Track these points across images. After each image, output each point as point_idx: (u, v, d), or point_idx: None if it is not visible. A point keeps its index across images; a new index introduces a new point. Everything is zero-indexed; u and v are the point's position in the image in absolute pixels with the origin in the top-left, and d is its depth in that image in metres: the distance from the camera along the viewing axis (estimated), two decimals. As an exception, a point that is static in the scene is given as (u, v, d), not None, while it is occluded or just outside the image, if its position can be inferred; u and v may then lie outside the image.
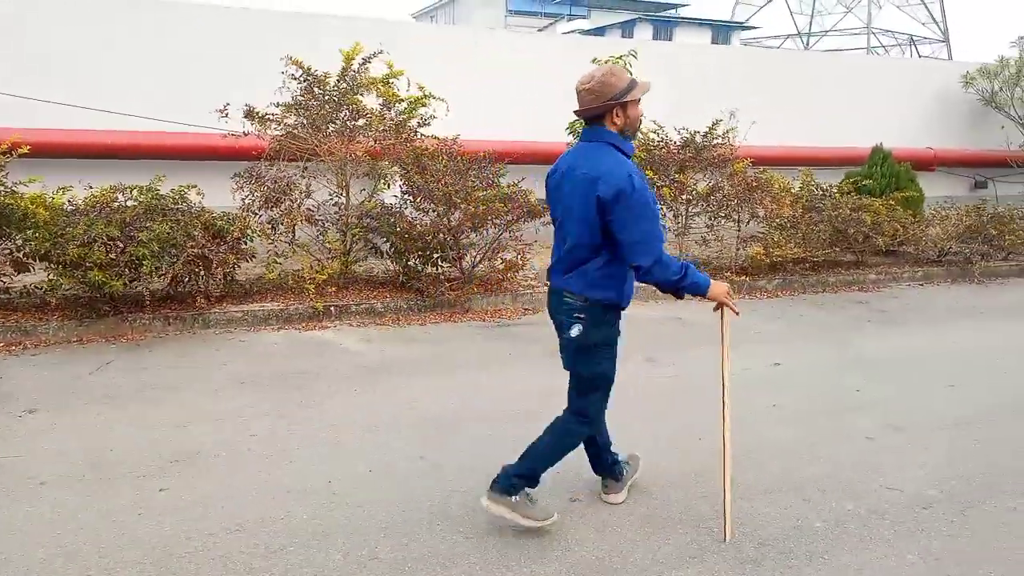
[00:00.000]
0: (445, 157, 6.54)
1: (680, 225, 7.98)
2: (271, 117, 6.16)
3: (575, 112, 2.96)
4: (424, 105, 6.46)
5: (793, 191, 7.90)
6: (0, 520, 3.04)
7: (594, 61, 7.77)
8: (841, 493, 3.38)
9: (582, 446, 3.21)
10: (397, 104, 6.43)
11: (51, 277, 5.50)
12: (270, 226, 5.97)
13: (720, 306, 3.03)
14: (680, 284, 2.83)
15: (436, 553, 2.87)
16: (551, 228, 6.99)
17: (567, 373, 3.11)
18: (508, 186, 6.64)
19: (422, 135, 6.58)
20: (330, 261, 6.48)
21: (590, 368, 3.01)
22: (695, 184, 7.90)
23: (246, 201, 5.99)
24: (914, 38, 49.16)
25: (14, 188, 5.61)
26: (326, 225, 6.41)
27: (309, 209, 6.15)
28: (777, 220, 7.58)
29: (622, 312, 3.01)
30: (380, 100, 6.48)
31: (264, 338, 5.66)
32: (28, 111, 7.40)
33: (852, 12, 50.06)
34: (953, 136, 11.98)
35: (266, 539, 2.94)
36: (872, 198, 8.18)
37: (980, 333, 6.34)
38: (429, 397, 4.54)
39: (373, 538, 2.96)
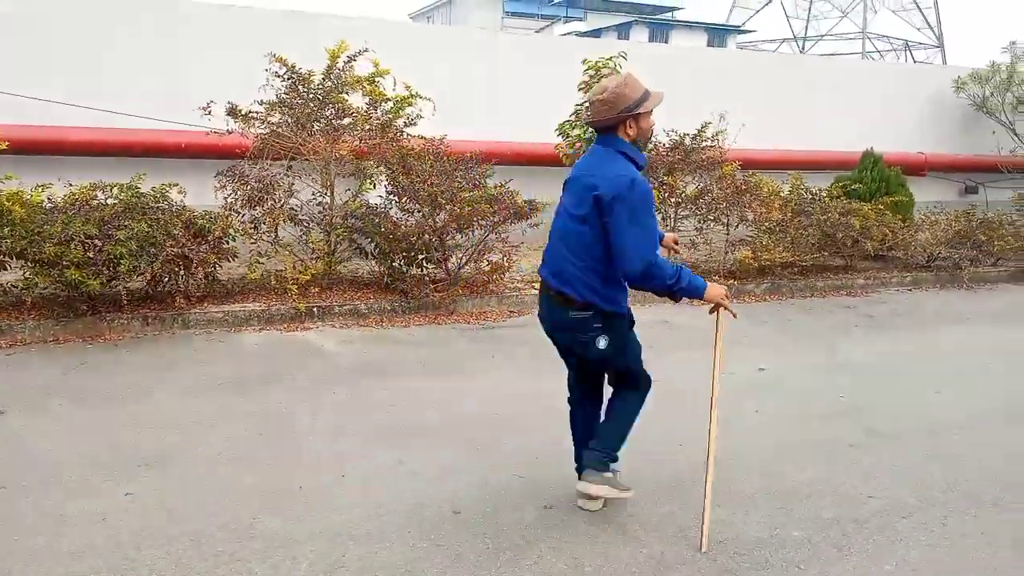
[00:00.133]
0: (431, 157, 6.48)
1: (668, 228, 7.93)
2: (255, 115, 6.09)
3: (586, 123, 2.98)
4: (410, 104, 6.40)
5: (782, 195, 7.86)
6: (-41, 525, 2.97)
7: (584, 63, 7.76)
8: (821, 501, 3.33)
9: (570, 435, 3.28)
10: (383, 103, 6.36)
11: (27, 276, 5.42)
12: (252, 225, 5.89)
13: (716, 308, 3.00)
14: (675, 288, 2.81)
15: (406, 561, 2.81)
16: (538, 230, 6.99)
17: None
18: (495, 187, 6.58)
19: (408, 135, 6.52)
20: (314, 261, 6.41)
21: (628, 358, 3.07)
22: (684, 187, 7.86)
23: (228, 200, 5.91)
24: (909, 43, 49.32)
25: (-9, 186, 5.53)
26: (310, 225, 6.34)
27: (292, 208, 6.08)
28: (766, 224, 7.54)
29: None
30: (366, 99, 6.41)
31: (244, 339, 5.59)
32: (16, 107, 7.32)
33: (848, 17, 50.21)
34: (945, 141, 11.98)
35: (231, 546, 2.87)
36: (861, 203, 8.15)
37: (967, 338, 6.31)
38: (408, 401, 4.48)
39: (341, 546, 2.90)
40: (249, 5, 8.58)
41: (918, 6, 49.47)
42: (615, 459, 3.14)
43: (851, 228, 7.57)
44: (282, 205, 5.89)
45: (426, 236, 6.17)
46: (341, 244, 6.49)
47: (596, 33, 37.67)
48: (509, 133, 9.06)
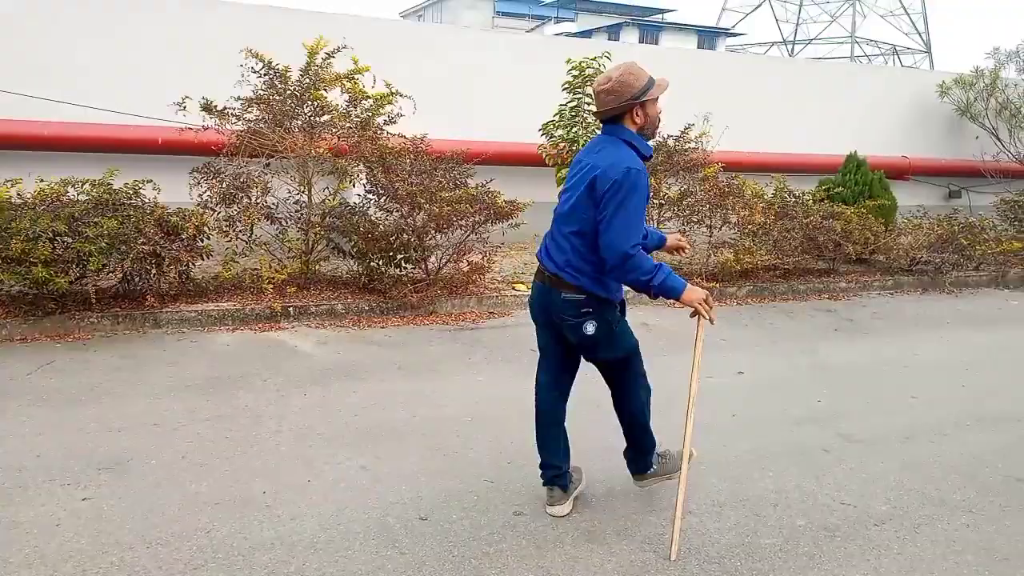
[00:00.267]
0: (411, 156, 6.40)
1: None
2: (231, 111, 5.99)
3: (593, 114, 2.97)
4: (390, 103, 6.31)
5: (766, 198, 7.84)
6: (-95, 531, 2.87)
7: (568, 62, 7.71)
8: (793, 509, 3.29)
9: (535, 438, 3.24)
10: (363, 100, 6.28)
11: (-6, 273, 5.30)
12: (227, 223, 5.79)
13: (696, 313, 2.96)
14: (650, 284, 2.77)
15: (367, 571, 2.74)
16: (518, 231, 6.92)
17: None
18: (476, 187, 6.51)
19: (388, 133, 6.44)
20: (291, 260, 6.32)
21: (620, 349, 3.02)
22: (667, 189, 7.82)
23: (203, 197, 5.81)
24: (897, 48, 49.70)
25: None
26: (287, 224, 6.25)
27: (269, 207, 5.98)
28: (749, 227, 7.51)
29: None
30: (346, 96, 6.33)
31: (216, 339, 5.49)
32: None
33: (837, 21, 50.54)
34: (928, 145, 12.01)
35: (187, 554, 2.79)
36: (844, 206, 8.14)
37: (946, 344, 6.30)
38: (380, 403, 4.40)
39: (301, 554, 2.82)
40: (227, -1, 8.47)
41: (906, 11, 49.91)
42: (654, 443, 3.20)
43: (833, 231, 7.56)
44: (257, 203, 5.79)
45: (405, 236, 6.10)
46: (319, 243, 6.40)
47: (587, 34, 37.67)
48: (493, 133, 8.99)
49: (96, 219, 5.26)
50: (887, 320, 7.06)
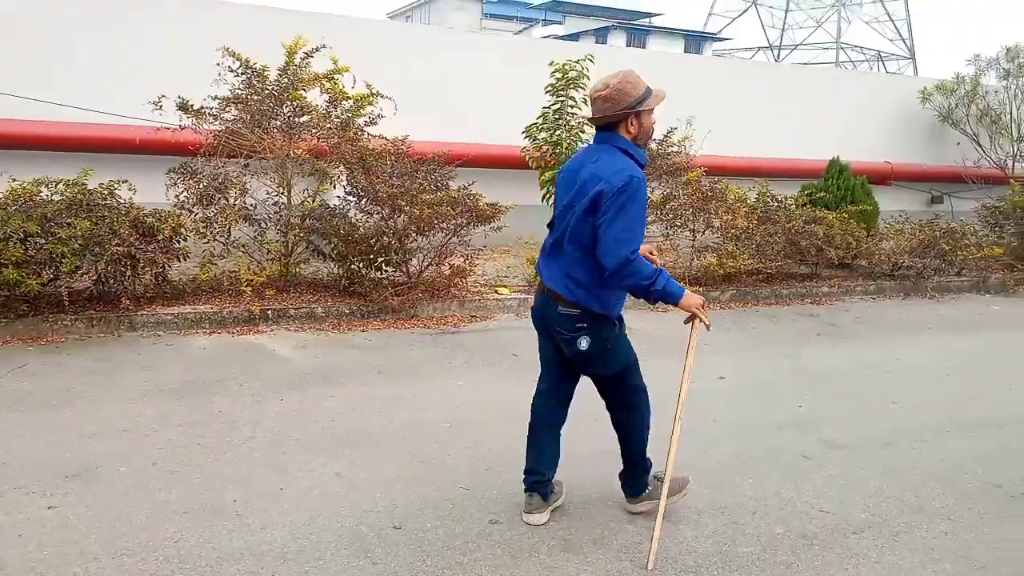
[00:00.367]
0: (392, 157, 6.34)
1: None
2: (208, 111, 5.90)
3: (588, 119, 2.94)
4: (371, 103, 6.25)
5: (749, 202, 7.84)
6: None
7: (551, 64, 7.67)
8: (771, 516, 3.26)
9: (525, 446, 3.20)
10: (343, 101, 6.21)
11: (-37, 275, 5.18)
12: (204, 225, 5.70)
13: (692, 318, 2.96)
14: (651, 289, 2.77)
15: (337, 581, 2.68)
16: (500, 234, 6.86)
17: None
18: (459, 189, 6.47)
19: (369, 134, 6.38)
20: (270, 263, 6.24)
21: (614, 366, 2.99)
22: (650, 193, 7.81)
23: (180, 198, 5.72)
24: (882, 54, 50.16)
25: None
26: (266, 225, 6.16)
27: (247, 208, 5.90)
28: (732, 231, 7.51)
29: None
30: (326, 97, 6.26)
31: (193, 342, 5.40)
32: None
33: (822, 27, 50.93)
34: (911, 151, 12.08)
35: (153, 565, 2.72)
36: (827, 211, 8.16)
37: (928, 349, 6.32)
38: (358, 408, 4.34)
39: (271, 564, 2.76)
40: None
41: (891, 18, 50.36)
42: (650, 466, 3.16)
43: (815, 236, 7.57)
44: (235, 204, 5.70)
45: (385, 238, 6.03)
46: (298, 246, 6.32)
47: (574, 37, 37.71)
48: (478, 134, 8.94)
49: (69, 220, 5.17)
50: (869, 325, 7.08)
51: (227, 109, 5.92)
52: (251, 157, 6.04)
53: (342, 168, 6.34)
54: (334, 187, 6.53)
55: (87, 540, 2.86)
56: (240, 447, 3.75)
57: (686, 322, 3.01)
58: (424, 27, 27.83)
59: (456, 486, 3.42)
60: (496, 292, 6.87)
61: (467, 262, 6.48)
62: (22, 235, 5.01)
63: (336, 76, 6.14)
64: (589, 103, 2.90)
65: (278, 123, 6.01)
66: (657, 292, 2.78)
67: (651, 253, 3.31)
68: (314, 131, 6.11)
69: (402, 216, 5.97)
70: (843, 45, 49.54)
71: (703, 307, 2.92)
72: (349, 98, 6.24)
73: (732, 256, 7.55)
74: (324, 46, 6.08)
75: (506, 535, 3.02)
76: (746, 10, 52.14)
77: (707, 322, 2.92)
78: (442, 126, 8.62)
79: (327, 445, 3.81)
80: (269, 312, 5.89)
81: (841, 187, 8.84)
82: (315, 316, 6.03)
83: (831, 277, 8.45)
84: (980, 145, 11.67)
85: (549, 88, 7.66)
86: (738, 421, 4.40)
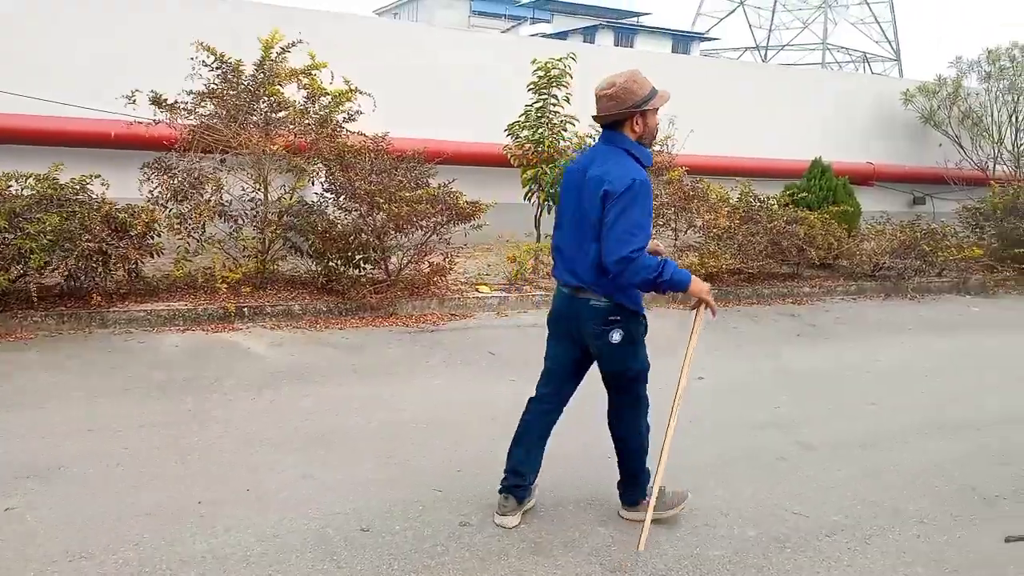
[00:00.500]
0: (371, 154, 6.28)
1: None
2: (183, 106, 5.80)
3: (593, 117, 2.93)
4: (349, 99, 6.17)
5: (731, 202, 7.84)
6: None
7: (533, 62, 7.63)
8: (744, 519, 3.24)
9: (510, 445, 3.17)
10: (322, 97, 6.14)
11: (-70, 270, 5.08)
12: (178, 221, 5.61)
13: (698, 305, 2.98)
14: (659, 280, 2.76)
15: (301, 585, 2.63)
16: (482, 232, 6.82)
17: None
18: (439, 186, 6.41)
19: (348, 131, 6.30)
20: (246, 260, 6.15)
21: (637, 365, 3.00)
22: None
23: (154, 193, 5.62)
24: (868, 55, 50.53)
25: None
26: (242, 222, 6.08)
27: (222, 204, 5.81)
28: (714, 230, 7.50)
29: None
30: (304, 93, 6.18)
31: (165, 340, 5.31)
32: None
33: (809, 28, 51.23)
34: (893, 152, 12.14)
35: (112, 568, 2.65)
36: (808, 211, 8.18)
37: (907, 349, 6.33)
38: (332, 408, 4.28)
39: (233, 568, 2.70)
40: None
41: (877, 20, 50.74)
42: (647, 479, 3.13)
43: (796, 236, 7.58)
44: (209, 200, 5.61)
45: (363, 236, 5.96)
46: (276, 242, 6.24)
47: (562, 35, 37.66)
48: (464, 132, 8.87)
49: (39, 215, 5.07)
50: (849, 325, 7.09)
51: (202, 104, 5.82)
52: (227, 153, 5.95)
53: (320, 165, 6.26)
54: (312, 184, 6.45)
55: (45, 542, 2.79)
56: (209, 447, 3.68)
57: (692, 308, 3.04)
58: (406, 23, 27.71)
59: (428, 487, 3.37)
60: (476, 290, 6.82)
61: (447, 260, 6.42)
62: (-11, 230, 4.91)
63: (314, 72, 6.06)
64: (595, 101, 2.90)
65: (255, 119, 5.92)
66: (666, 282, 2.78)
67: (656, 247, 3.32)
68: (291, 127, 6.03)
69: (380, 213, 5.90)
70: (829, 46, 49.87)
71: (709, 292, 2.95)
72: (327, 94, 6.16)
73: (714, 256, 7.54)
74: (300, 41, 6.00)
75: (475, 538, 2.98)
76: (734, 10, 52.35)
77: (714, 307, 2.96)
78: (424, 124, 8.55)
79: (298, 445, 3.75)
80: (245, 309, 5.81)
81: (823, 187, 8.86)
82: (292, 314, 5.96)
83: (812, 277, 8.47)
84: (962, 147, 11.74)
85: (531, 86, 7.63)
86: (715, 422, 4.37)
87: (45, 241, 4.96)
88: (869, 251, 8.49)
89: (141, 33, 7.56)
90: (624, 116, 2.83)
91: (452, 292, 6.68)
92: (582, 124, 7.75)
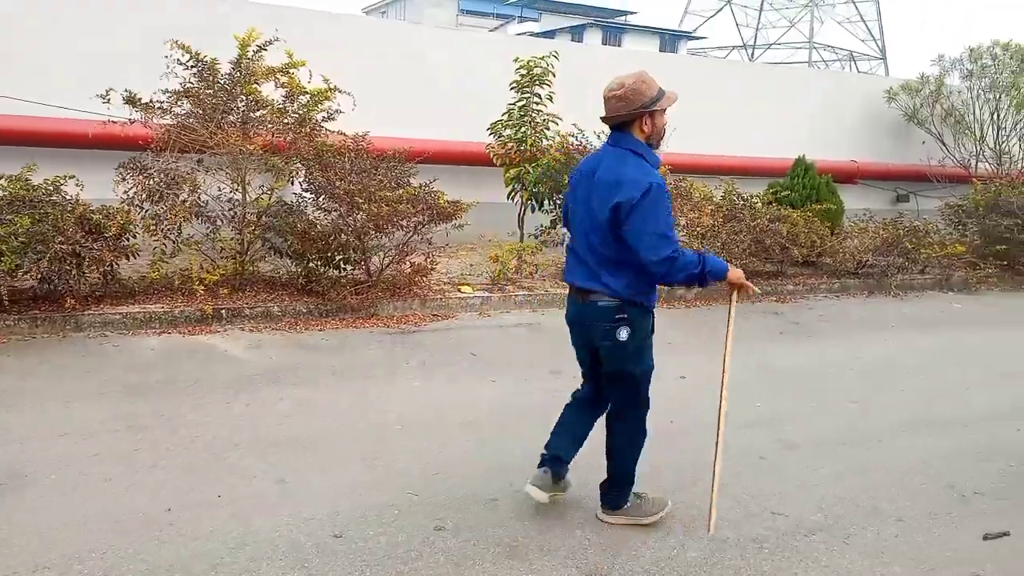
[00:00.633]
0: (352, 154, 6.21)
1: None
2: (158, 105, 5.72)
3: (602, 119, 2.94)
4: (328, 99, 6.10)
5: (715, 200, 7.83)
6: None
7: (516, 60, 7.59)
8: (723, 519, 3.20)
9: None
10: (300, 96, 6.07)
11: None
12: (154, 222, 5.53)
13: (733, 291, 3.07)
14: (704, 274, 2.84)
15: (270, 593, 2.58)
16: (460, 232, 6.77)
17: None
18: (420, 186, 6.35)
19: (328, 130, 6.23)
20: (224, 261, 6.07)
21: (642, 365, 3.01)
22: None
23: (129, 194, 5.54)
24: (854, 54, 50.83)
25: None
26: (221, 222, 6.00)
27: (199, 205, 5.73)
28: (698, 229, 7.49)
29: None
30: (282, 91, 6.11)
31: (141, 343, 5.24)
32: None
33: (795, 27, 51.48)
34: (877, 150, 12.18)
35: (75, 579, 2.59)
36: (792, 209, 8.18)
37: (889, 347, 6.34)
38: (308, 411, 4.22)
39: (200, 576, 2.64)
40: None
41: (863, 19, 51.06)
42: (627, 499, 3.12)
43: (779, 235, 7.58)
44: (184, 201, 5.53)
45: (343, 236, 5.90)
46: (254, 243, 6.16)
47: (550, 34, 37.66)
48: (447, 132, 8.82)
49: (10, 216, 4.97)
50: (833, 323, 7.09)
51: (179, 103, 5.74)
52: (204, 152, 5.87)
53: (299, 164, 6.19)
54: (292, 184, 6.38)
55: (9, 553, 2.72)
56: (181, 452, 3.61)
57: (729, 295, 3.12)
58: (391, 22, 27.60)
59: (403, 491, 3.32)
60: (459, 291, 6.77)
61: (428, 260, 6.37)
62: (-42, 232, 4.81)
63: (292, 70, 5.99)
64: (603, 102, 2.91)
65: (232, 118, 5.84)
66: (708, 273, 2.84)
67: None
68: (270, 126, 5.96)
69: (360, 213, 5.84)
70: (816, 45, 50.15)
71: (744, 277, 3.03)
72: (306, 93, 6.09)
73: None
74: (277, 39, 5.92)
75: (450, 542, 2.93)
76: (721, 9, 52.53)
77: (754, 289, 3.09)
78: (411, 123, 8.50)
79: (272, 450, 3.69)
80: (223, 311, 5.73)
81: (806, 186, 8.87)
82: (271, 315, 5.89)
83: (796, 275, 8.48)
84: (944, 144, 11.79)
85: (514, 85, 7.59)
86: (696, 421, 4.33)
87: (16, 243, 4.88)
88: (852, 249, 8.51)
89: (137, 33, 7.45)
90: (633, 117, 2.85)
91: (434, 292, 6.63)
92: (565, 123, 7.73)
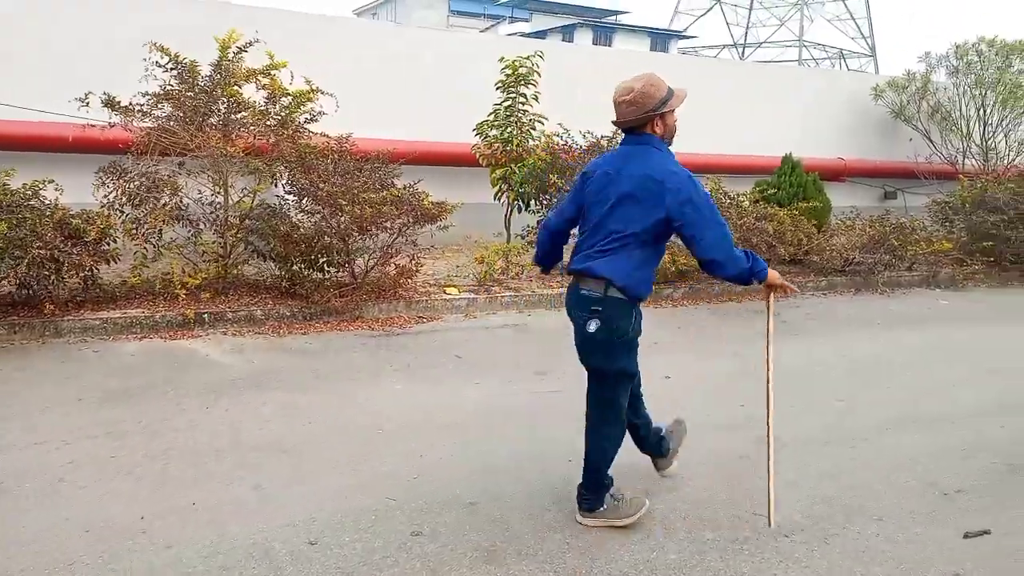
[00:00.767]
0: (335, 156, 6.17)
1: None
2: (138, 108, 5.67)
3: (614, 123, 2.97)
4: (310, 100, 6.06)
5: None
6: None
7: (501, 60, 7.56)
8: (703, 520, 3.18)
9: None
10: (283, 98, 6.02)
11: None
12: (134, 226, 5.48)
13: (771, 291, 3.14)
14: (753, 270, 2.90)
15: (242, 602, 2.54)
16: (447, 233, 6.73)
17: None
18: (405, 187, 6.32)
19: (311, 132, 6.19)
20: (207, 264, 6.02)
21: (621, 362, 2.99)
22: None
23: (109, 198, 5.49)
24: (844, 52, 50.99)
25: None
26: (203, 226, 5.95)
27: (179, 208, 5.68)
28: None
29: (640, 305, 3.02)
30: (264, 93, 6.06)
31: (121, 348, 5.19)
32: None
33: (785, 25, 51.61)
34: (865, 147, 12.20)
35: (43, 590, 2.55)
36: (778, 208, 8.17)
37: (877, 344, 6.33)
38: (289, 415, 4.18)
39: (171, 586, 2.60)
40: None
41: (852, 17, 51.22)
42: (611, 484, 3.12)
43: (765, 233, 7.57)
44: (165, 205, 5.48)
45: (327, 238, 5.86)
46: (237, 246, 6.12)
47: (541, 34, 37.65)
48: (437, 132, 8.78)
49: (-14, 222, 4.92)
50: (820, 321, 7.09)
51: (159, 106, 5.69)
52: (185, 155, 5.82)
53: (282, 167, 6.14)
54: (275, 186, 6.34)
55: (-25, 565, 2.67)
56: (158, 459, 3.57)
57: (765, 296, 3.20)
58: (374, 23, 27.54)
59: (381, 496, 3.29)
60: (444, 292, 6.74)
61: (413, 262, 6.33)
62: (-65, 238, 4.76)
63: (273, 72, 5.94)
64: (614, 107, 2.93)
65: (213, 120, 5.80)
66: (756, 273, 2.91)
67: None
68: (252, 128, 5.91)
69: (344, 216, 5.80)
70: (806, 43, 50.27)
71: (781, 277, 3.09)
72: (288, 94, 6.05)
73: (685, 253, 7.51)
74: (257, 40, 5.88)
75: (427, 548, 2.90)
76: (711, 8, 52.62)
77: (791, 287, 3.17)
78: (402, 124, 8.47)
79: (251, 455, 3.65)
80: (205, 316, 5.69)
81: (793, 184, 8.87)
82: (254, 319, 5.84)
83: (783, 273, 8.37)
84: (931, 141, 11.83)
85: (499, 84, 7.55)
86: (679, 421, 4.31)
87: (-7, 249, 4.82)
88: (839, 246, 8.52)
89: (133, 35, 7.38)
90: (644, 120, 2.89)
91: (420, 294, 6.59)
92: (554, 122, 7.71)
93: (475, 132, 7.70)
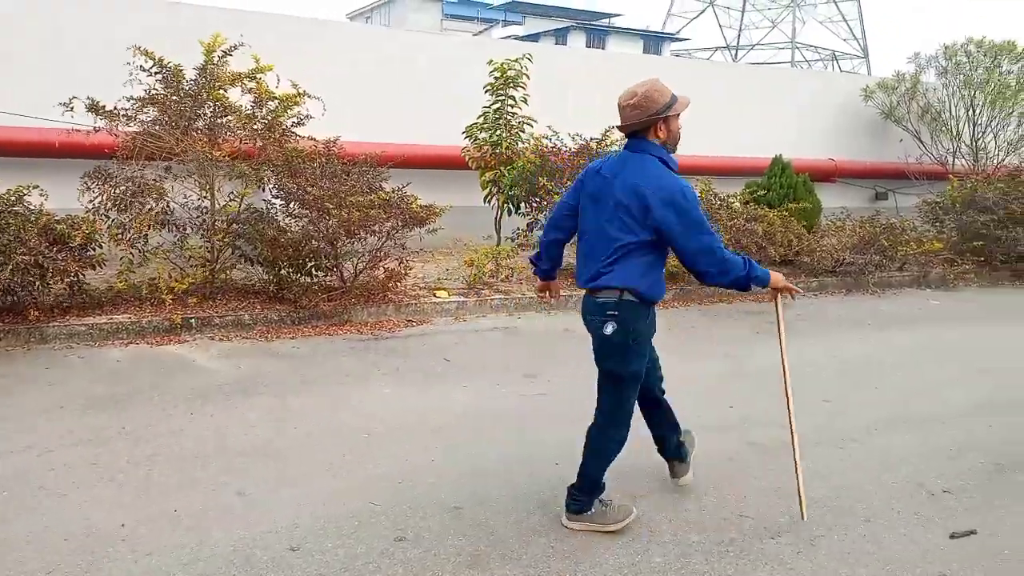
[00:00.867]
0: (322, 159, 6.15)
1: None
2: (123, 112, 5.64)
3: (618, 127, 3.02)
4: (297, 103, 6.04)
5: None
6: None
7: (490, 63, 7.56)
8: (688, 523, 3.17)
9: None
10: (269, 101, 6.00)
11: None
12: (120, 232, 5.44)
13: (777, 294, 3.14)
14: (750, 276, 2.91)
15: (221, 610, 2.51)
16: (435, 236, 6.71)
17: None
18: (393, 191, 6.30)
19: (298, 136, 6.17)
20: (194, 269, 5.99)
21: (634, 365, 3.00)
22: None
23: (95, 203, 5.45)
24: (836, 54, 51.20)
25: None
26: (190, 230, 5.92)
27: (166, 213, 5.65)
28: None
29: (654, 307, 3.05)
30: (251, 97, 6.04)
31: (107, 354, 5.15)
32: None
33: (778, 27, 51.81)
34: (856, 148, 12.23)
35: (19, 599, 2.52)
36: (769, 209, 8.18)
37: (867, 345, 6.32)
38: (274, 421, 4.15)
39: (150, 594, 2.58)
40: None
41: (844, 18, 51.45)
42: (602, 490, 3.11)
43: (755, 234, 7.57)
44: (151, 210, 5.44)
45: (314, 242, 5.83)
46: (224, 251, 6.08)
47: (534, 37, 37.72)
48: (430, 135, 8.77)
49: (-30, 228, 4.88)
50: (811, 321, 7.08)
51: (144, 110, 5.66)
52: (171, 160, 5.79)
53: (269, 171, 6.11)
54: (262, 190, 6.31)
55: (-49, 574, 2.64)
56: (142, 465, 3.54)
57: (772, 299, 3.19)
58: (368, 27, 27.55)
59: (365, 501, 3.26)
60: (434, 295, 6.71)
61: (402, 265, 6.31)
62: (-84, 244, 4.72)
63: (259, 75, 5.92)
64: (618, 111, 2.96)
65: (199, 124, 5.77)
66: (754, 278, 2.92)
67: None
68: (238, 132, 5.88)
69: (331, 219, 5.77)
70: (798, 45, 50.47)
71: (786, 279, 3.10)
72: (275, 98, 6.02)
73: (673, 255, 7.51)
74: (242, 44, 5.85)
75: (410, 553, 2.88)
76: (703, 11, 52.80)
77: (796, 289, 3.17)
78: (395, 127, 8.45)
79: (236, 461, 3.62)
80: (192, 321, 5.65)
81: (784, 185, 8.88)
82: (242, 324, 5.81)
83: (775, 274, 8.46)
84: (922, 142, 11.87)
85: (488, 87, 7.55)
86: (668, 424, 4.30)
87: (-24, 255, 4.79)
88: (830, 247, 8.52)
89: (118, 38, 7.35)
90: (648, 124, 2.91)
91: (409, 298, 6.57)
92: (545, 125, 7.70)
93: (465, 135, 7.70)
